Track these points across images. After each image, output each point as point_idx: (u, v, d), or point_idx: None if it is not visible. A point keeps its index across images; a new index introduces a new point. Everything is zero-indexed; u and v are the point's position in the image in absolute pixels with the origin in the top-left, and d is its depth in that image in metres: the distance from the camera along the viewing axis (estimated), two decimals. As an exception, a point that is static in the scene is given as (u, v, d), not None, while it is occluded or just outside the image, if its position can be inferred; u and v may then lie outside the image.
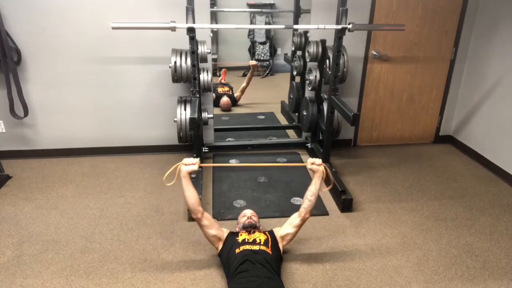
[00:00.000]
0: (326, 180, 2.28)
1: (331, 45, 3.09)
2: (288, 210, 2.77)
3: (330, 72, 3.05)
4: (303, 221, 2.20)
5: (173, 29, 2.63)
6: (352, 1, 2.94)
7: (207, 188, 3.07)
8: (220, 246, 2.17)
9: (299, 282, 2.11)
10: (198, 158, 2.15)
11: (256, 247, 2.06)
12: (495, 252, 2.40)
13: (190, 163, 2.09)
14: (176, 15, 3.03)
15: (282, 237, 2.22)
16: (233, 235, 2.21)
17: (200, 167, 2.13)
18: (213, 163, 3.50)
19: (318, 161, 2.18)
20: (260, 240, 2.12)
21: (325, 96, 3.33)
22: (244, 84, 5.14)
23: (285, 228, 2.24)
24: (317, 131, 3.52)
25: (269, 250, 2.07)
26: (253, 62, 5.11)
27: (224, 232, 2.21)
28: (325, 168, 2.17)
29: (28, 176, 3.21)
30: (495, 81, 3.40)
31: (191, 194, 2.11)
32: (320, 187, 2.18)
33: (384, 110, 3.84)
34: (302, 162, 3.52)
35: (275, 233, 2.24)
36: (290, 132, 4.22)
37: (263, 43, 6.56)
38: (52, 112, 3.40)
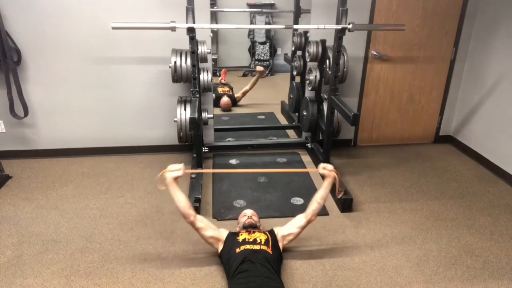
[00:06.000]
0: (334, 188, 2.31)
1: (331, 45, 3.09)
2: (288, 210, 2.78)
3: (330, 72, 3.04)
4: (308, 222, 2.21)
5: (173, 29, 2.63)
6: (352, 1, 2.94)
7: (207, 188, 3.07)
8: (220, 247, 2.17)
9: (299, 282, 2.11)
10: (182, 164, 2.12)
11: (256, 247, 2.06)
12: (495, 252, 2.40)
13: (175, 169, 2.07)
14: (176, 15, 3.02)
15: (284, 237, 2.22)
16: (233, 235, 2.21)
17: (193, 173, 2.11)
18: (213, 163, 3.49)
19: (330, 166, 2.21)
20: (260, 240, 2.12)
21: (325, 96, 3.33)
22: (247, 88, 5.13)
23: (288, 228, 2.24)
24: (317, 131, 3.52)
25: (269, 250, 2.07)
26: (261, 68, 5.08)
27: (222, 233, 2.21)
28: (336, 174, 2.20)
29: (28, 176, 3.21)
30: (495, 81, 3.40)
31: (180, 199, 2.08)
32: (337, 194, 2.23)
33: (384, 110, 3.84)
34: (302, 162, 3.52)
35: (276, 232, 2.24)
36: (290, 132, 4.22)
37: (263, 43, 6.56)
38: (52, 112, 3.40)
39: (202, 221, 2.15)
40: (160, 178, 2.05)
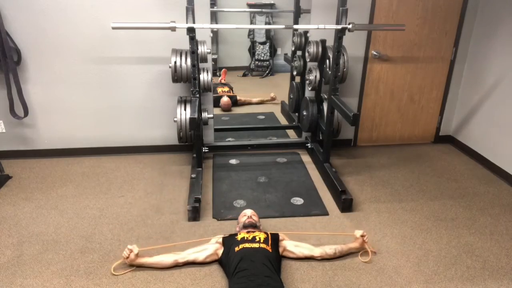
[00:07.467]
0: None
1: (331, 45, 3.09)
2: (288, 210, 2.78)
3: (330, 72, 3.05)
4: (311, 257, 2.25)
5: (173, 29, 2.63)
6: (352, 1, 2.94)
7: (207, 188, 3.07)
8: (220, 253, 2.18)
9: (299, 282, 2.11)
10: (134, 246, 2.18)
11: (255, 245, 2.07)
12: (495, 252, 2.40)
13: (130, 251, 2.14)
14: (176, 15, 3.03)
15: (285, 249, 2.24)
16: (230, 236, 2.22)
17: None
18: (213, 163, 3.49)
19: (366, 237, 2.30)
20: (259, 238, 2.13)
21: (325, 96, 3.33)
22: (253, 100, 5.17)
23: (293, 245, 2.26)
24: (317, 131, 3.52)
25: (269, 248, 2.08)
26: (273, 95, 5.15)
27: (215, 244, 2.22)
28: (366, 243, 2.31)
29: (28, 176, 3.21)
30: (495, 81, 3.40)
31: (159, 262, 2.17)
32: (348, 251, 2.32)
33: (384, 110, 3.84)
34: (302, 162, 3.52)
35: (280, 238, 2.25)
36: (290, 132, 4.21)
37: (263, 43, 6.56)
38: (52, 112, 3.40)
39: (191, 254, 2.19)
40: (127, 264, 2.18)
